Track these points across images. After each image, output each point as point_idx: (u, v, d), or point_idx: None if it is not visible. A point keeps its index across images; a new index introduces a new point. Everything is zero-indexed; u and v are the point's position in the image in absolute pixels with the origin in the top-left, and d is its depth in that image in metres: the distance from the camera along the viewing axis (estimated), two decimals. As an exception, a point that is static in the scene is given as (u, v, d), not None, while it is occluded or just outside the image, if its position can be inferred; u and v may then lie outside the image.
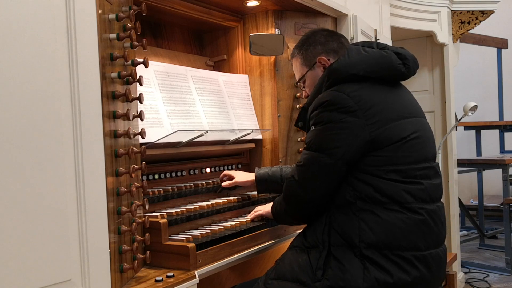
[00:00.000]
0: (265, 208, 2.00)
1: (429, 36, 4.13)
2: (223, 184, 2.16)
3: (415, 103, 1.78)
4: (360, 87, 1.64)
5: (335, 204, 1.64)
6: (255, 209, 2.05)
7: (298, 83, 1.99)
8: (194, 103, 2.21)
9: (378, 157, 1.59)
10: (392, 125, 1.61)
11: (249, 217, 2.03)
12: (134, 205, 1.42)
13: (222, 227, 1.87)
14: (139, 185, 1.50)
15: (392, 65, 1.68)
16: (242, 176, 2.17)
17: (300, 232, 1.79)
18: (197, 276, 1.53)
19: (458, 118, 3.95)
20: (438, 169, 1.74)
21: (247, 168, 2.52)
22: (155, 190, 1.86)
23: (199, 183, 2.08)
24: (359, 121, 1.58)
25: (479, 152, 6.08)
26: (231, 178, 2.18)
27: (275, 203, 1.87)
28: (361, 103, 1.59)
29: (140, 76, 1.50)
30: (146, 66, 1.53)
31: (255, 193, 2.22)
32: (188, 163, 2.22)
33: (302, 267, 1.63)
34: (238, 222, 1.95)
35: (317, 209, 1.68)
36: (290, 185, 1.72)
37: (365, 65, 1.66)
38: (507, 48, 6.49)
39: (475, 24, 4.20)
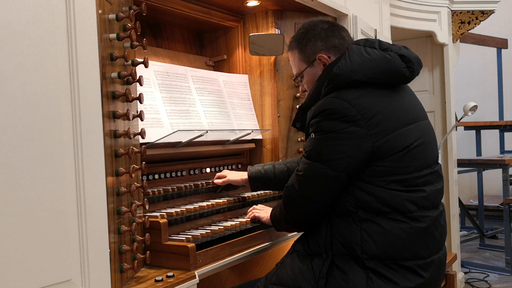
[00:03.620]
0: (264, 214, 1.94)
1: (429, 36, 4.13)
2: (215, 181, 2.13)
3: (416, 104, 1.72)
4: (362, 93, 1.57)
5: (335, 212, 1.61)
6: (252, 210, 2.02)
7: (296, 79, 1.91)
8: (194, 103, 2.21)
9: (379, 167, 1.55)
10: (394, 135, 1.56)
11: (247, 218, 2.01)
12: (134, 205, 1.42)
13: (222, 227, 1.87)
14: (139, 185, 1.50)
15: (396, 70, 1.61)
16: (233, 175, 2.14)
17: (300, 236, 1.77)
18: (197, 276, 1.53)
19: (458, 118, 3.95)
20: (440, 171, 1.70)
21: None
22: (155, 190, 1.86)
23: (199, 183, 2.08)
24: (361, 131, 1.53)
25: (479, 152, 6.08)
26: (223, 177, 2.14)
27: (274, 210, 1.84)
28: (363, 112, 1.53)
29: (140, 76, 1.50)
30: (146, 66, 1.53)
31: (254, 193, 2.22)
32: (188, 163, 2.22)
33: (304, 274, 1.61)
34: (238, 222, 1.95)
35: (318, 217, 1.65)
36: (290, 194, 1.68)
37: (368, 70, 1.58)
38: (507, 48, 6.49)
39: (475, 24, 4.20)
